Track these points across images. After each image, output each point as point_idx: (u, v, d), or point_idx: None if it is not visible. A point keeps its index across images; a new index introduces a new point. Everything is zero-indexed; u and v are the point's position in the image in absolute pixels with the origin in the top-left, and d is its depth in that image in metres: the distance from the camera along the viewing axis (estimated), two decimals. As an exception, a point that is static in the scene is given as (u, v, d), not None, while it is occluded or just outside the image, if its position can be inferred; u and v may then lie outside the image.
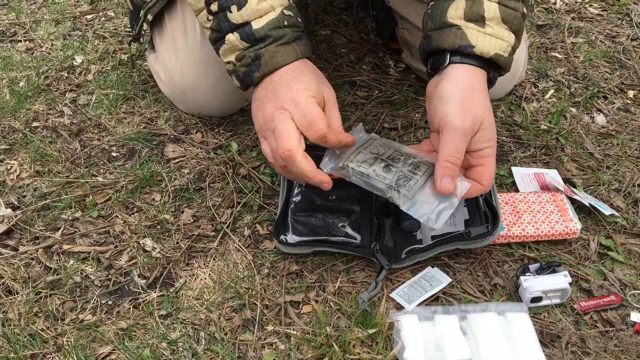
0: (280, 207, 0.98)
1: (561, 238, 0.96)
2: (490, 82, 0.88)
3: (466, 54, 0.84)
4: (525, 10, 0.87)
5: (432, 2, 0.90)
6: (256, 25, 0.88)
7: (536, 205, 0.99)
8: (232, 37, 0.89)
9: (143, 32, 1.23)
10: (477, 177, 0.85)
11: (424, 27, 0.91)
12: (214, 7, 0.89)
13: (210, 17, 0.90)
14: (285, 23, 0.89)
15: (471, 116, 0.81)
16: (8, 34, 1.52)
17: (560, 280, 0.88)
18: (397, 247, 0.95)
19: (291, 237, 0.95)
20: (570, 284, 0.88)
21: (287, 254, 0.95)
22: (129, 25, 1.30)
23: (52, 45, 1.47)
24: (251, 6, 0.87)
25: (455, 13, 0.86)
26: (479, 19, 0.85)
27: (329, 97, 0.88)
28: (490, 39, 0.84)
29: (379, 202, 0.98)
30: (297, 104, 0.84)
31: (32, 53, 1.45)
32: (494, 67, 0.87)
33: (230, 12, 0.88)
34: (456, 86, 0.83)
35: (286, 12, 0.89)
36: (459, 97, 0.82)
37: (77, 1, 1.66)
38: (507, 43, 0.85)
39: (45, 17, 1.58)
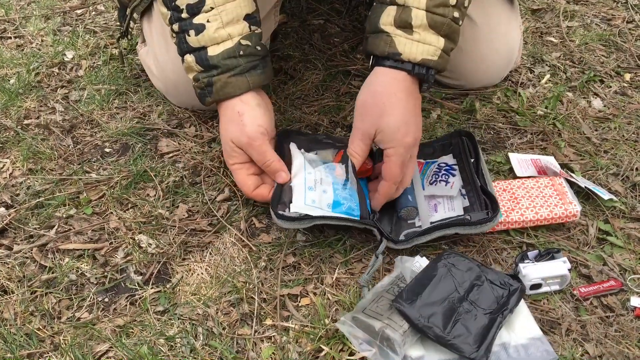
0: (276, 184, 0.97)
1: (561, 221, 0.96)
2: (426, 82, 0.92)
3: (396, 60, 0.89)
4: (456, 14, 0.90)
5: (373, 5, 0.94)
6: (212, 52, 0.92)
7: (534, 191, 0.98)
8: (189, 59, 0.94)
9: (131, 29, 1.22)
10: (382, 172, 0.92)
11: (365, 29, 0.95)
12: (175, 27, 0.94)
13: (174, 35, 0.95)
14: (241, 53, 0.93)
15: (366, 125, 0.90)
16: (-3, 30, 1.51)
17: (560, 266, 0.87)
18: (392, 232, 0.95)
19: (291, 211, 0.93)
20: (569, 270, 0.88)
21: (284, 247, 0.94)
22: (118, 21, 1.29)
23: (42, 41, 1.46)
24: (208, 33, 0.92)
25: (386, 19, 0.90)
26: (407, 26, 0.89)
27: (244, 140, 0.94)
28: (417, 45, 0.89)
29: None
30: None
31: (22, 49, 1.43)
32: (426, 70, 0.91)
33: (189, 35, 0.92)
34: (366, 90, 0.91)
35: (243, 41, 0.93)
36: (363, 102, 0.91)
37: (67, -4, 1.64)
38: (434, 47, 0.89)
39: (34, 12, 1.56)
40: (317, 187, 0.97)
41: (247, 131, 0.93)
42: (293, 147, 1.04)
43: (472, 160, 1.01)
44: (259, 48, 0.95)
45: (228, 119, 0.95)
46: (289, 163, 1.00)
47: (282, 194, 0.96)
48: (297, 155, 1.02)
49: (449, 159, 1.05)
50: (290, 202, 0.95)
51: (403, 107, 0.90)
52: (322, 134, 1.13)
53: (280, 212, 0.92)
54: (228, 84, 0.93)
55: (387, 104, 0.89)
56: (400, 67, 0.89)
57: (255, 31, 0.95)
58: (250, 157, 0.95)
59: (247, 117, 0.94)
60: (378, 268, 0.89)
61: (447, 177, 1.01)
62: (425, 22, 0.88)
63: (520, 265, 0.87)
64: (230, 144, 0.95)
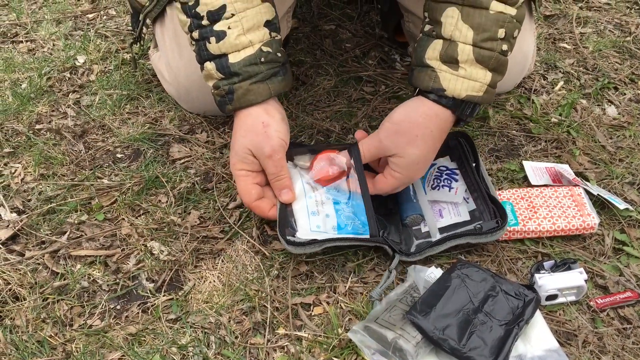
0: (279, 206, 0.95)
1: (578, 233, 0.95)
2: (464, 121, 0.94)
3: (440, 96, 0.90)
4: (505, 47, 0.89)
5: (420, 36, 0.94)
6: (232, 59, 0.91)
7: (553, 200, 0.97)
8: (210, 66, 0.93)
9: (143, 34, 1.21)
10: (376, 180, 0.95)
11: (411, 59, 0.97)
12: (195, 34, 0.93)
13: (193, 43, 0.94)
14: (262, 60, 0.92)
15: (391, 142, 0.91)
16: (9, 34, 1.51)
17: (576, 277, 0.86)
18: (402, 242, 0.95)
19: (298, 236, 0.92)
20: (585, 280, 0.87)
21: (296, 255, 0.94)
22: (131, 26, 1.28)
23: (53, 45, 1.46)
24: (229, 40, 0.90)
25: (432, 54, 0.90)
26: (453, 61, 0.88)
27: (267, 151, 0.92)
28: (463, 81, 0.88)
29: (378, 200, 0.97)
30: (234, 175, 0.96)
31: (34, 54, 1.43)
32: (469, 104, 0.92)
33: (209, 42, 0.91)
34: (405, 113, 0.92)
35: (264, 48, 0.92)
36: (398, 122, 0.91)
37: (78, 0, 1.65)
38: (480, 83, 0.89)
39: (46, 17, 1.56)
40: (320, 212, 0.95)
41: (273, 144, 0.92)
42: (290, 169, 1.00)
43: (474, 164, 1.00)
44: (279, 54, 0.94)
45: (249, 127, 0.93)
46: None
47: (287, 217, 0.94)
48: (295, 177, 0.99)
49: (447, 162, 1.04)
50: (296, 227, 0.93)
51: (432, 144, 0.91)
52: (304, 143, 1.11)
53: (290, 237, 0.91)
54: (250, 91, 0.92)
55: (419, 137, 0.90)
56: (445, 104, 0.90)
57: (275, 37, 0.95)
58: (265, 168, 0.94)
59: (272, 129, 0.92)
60: (392, 283, 0.88)
61: (449, 182, 1.00)
62: (472, 57, 0.88)
63: (536, 275, 0.86)
64: (246, 150, 0.93)
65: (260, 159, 0.93)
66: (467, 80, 0.88)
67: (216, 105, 0.96)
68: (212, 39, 0.90)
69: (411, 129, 0.90)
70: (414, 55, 0.94)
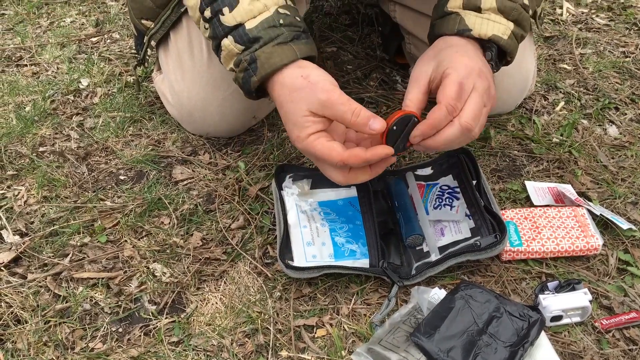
0: (281, 230, 0.95)
1: (582, 254, 0.94)
2: (488, 50, 0.91)
3: (465, 37, 0.89)
4: (526, 1, 0.91)
5: None
6: (249, 25, 0.85)
7: (556, 221, 0.97)
8: (227, 42, 0.87)
9: (148, 56, 1.22)
10: (437, 96, 0.84)
11: (431, 19, 0.95)
12: (207, 13, 0.88)
13: (207, 26, 0.89)
14: (281, 22, 0.86)
15: (424, 62, 0.88)
16: (14, 58, 1.52)
17: (581, 297, 0.86)
18: (404, 264, 0.94)
19: (298, 261, 0.93)
20: (590, 301, 0.86)
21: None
22: (135, 49, 1.30)
23: (57, 68, 1.47)
24: (243, 6, 0.85)
25: (454, 3, 0.91)
26: (476, 9, 0.90)
27: (322, 96, 0.81)
28: (488, 22, 0.89)
29: (379, 221, 0.97)
30: (304, 146, 0.83)
31: (38, 77, 1.44)
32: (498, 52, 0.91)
33: (223, 14, 0.86)
34: (436, 44, 0.90)
35: (282, 10, 0.87)
36: (419, 58, 0.89)
37: (82, 24, 1.66)
38: (504, 26, 0.90)
39: (50, 40, 1.58)
40: (315, 241, 0.96)
41: (322, 87, 0.81)
42: (286, 196, 1.02)
43: (474, 182, 1.00)
44: (298, 19, 0.88)
45: (291, 89, 0.83)
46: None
47: (287, 242, 0.95)
48: (290, 206, 1.00)
49: (449, 181, 1.04)
50: (292, 256, 0.93)
51: (464, 49, 0.87)
52: (303, 167, 1.11)
53: (289, 262, 0.91)
54: (273, 53, 0.84)
55: (445, 46, 0.88)
56: (469, 37, 0.89)
57: (291, 5, 0.89)
58: (333, 114, 0.81)
59: (314, 76, 0.83)
60: (391, 310, 0.88)
61: (451, 200, 1.00)
62: (495, 6, 0.89)
63: (541, 296, 0.86)
64: (303, 113, 0.82)
65: (321, 110, 0.81)
66: (491, 22, 0.89)
67: (241, 89, 0.90)
68: (225, 10, 0.85)
69: (432, 49, 0.89)
70: (434, 12, 0.94)
